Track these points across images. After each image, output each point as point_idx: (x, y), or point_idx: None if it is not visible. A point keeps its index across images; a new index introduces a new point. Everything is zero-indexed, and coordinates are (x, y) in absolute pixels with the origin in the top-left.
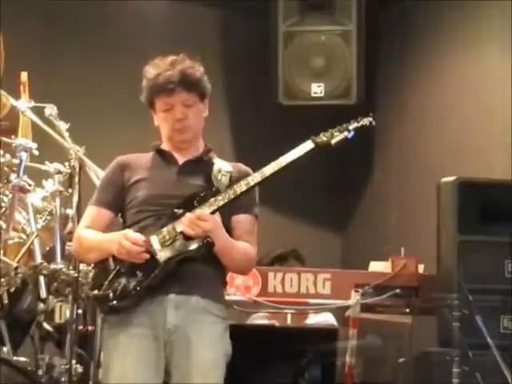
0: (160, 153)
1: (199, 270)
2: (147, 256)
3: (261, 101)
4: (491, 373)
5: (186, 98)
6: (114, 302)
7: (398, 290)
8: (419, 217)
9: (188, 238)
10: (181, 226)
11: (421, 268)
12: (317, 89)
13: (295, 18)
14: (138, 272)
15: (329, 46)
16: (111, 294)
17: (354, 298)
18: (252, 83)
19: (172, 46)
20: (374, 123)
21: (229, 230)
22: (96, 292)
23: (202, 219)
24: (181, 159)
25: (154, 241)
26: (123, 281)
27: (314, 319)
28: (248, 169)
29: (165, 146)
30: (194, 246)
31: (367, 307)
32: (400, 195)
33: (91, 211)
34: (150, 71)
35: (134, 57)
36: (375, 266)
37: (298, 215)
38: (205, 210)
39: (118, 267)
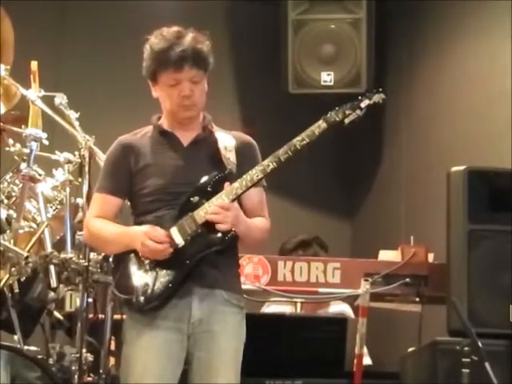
0: (162, 132)
1: (219, 262)
2: (170, 251)
3: (270, 89)
4: (501, 363)
5: (195, 74)
6: (144, 306)
7: (407, 279)
8: (429, 205)
9: (210, 230)
10: (201, 216)
11: (430, 257)
12: (326, 77)
13: (305, 6)
14: (164, 271)
15: (338, 34)
16: (141, 298)
17: (364, 287)
18: (262, 72)
19: None
20: (385, 99)
21: (239, 204)
22: (126, 296)
23: (227, 209)
24: (184, 139)
25: (176, 234)
26: (151, 281)
27: (331, 310)
28: (249, 138)
29: (165, 123)
30: (217, 239)
31: (377, 296)
32: (410, 184)
33: (99, 199)
34: (157, 42)
35: (144, 45)
36: (385, 255)
37: (308, 204)
38: (223, 199)
39: (143, 265)
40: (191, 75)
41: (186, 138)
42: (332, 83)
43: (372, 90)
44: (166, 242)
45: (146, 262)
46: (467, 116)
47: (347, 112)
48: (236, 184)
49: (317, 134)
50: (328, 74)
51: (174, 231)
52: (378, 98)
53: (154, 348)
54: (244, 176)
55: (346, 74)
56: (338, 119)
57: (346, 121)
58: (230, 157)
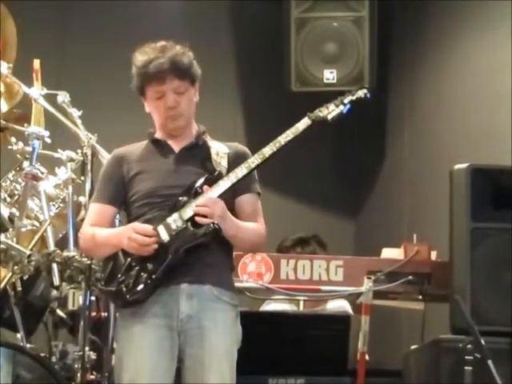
0: (155, 142)
1: (208, 258)
2: (156, 246)
3: (273, 87)
4: (504, 361)
5: (178, 85)
6: (128, 297)
7: (410, 277)
8: (432, 204)
9: (195, 226)
10: (187, 213)
11: (433, 255)
12: (329, 75)
13: (307, 4)
14: (148, 264)
15: (341, 32)
16: (124, 289)
17: (367, 284)
18: (264, 70)
19: (184, 32)
20: (368, 95)
21: (233, 212)
22: (109, 288)
23: (214, 202)
24: (176, 147)
25: (162, 231)
26: (134, 274)
27: (330, 305)
28: (244, 148)
29: (158, 134)
30: (199, 232)
31: (380, 294)
32: (412, 182)
33: (95, 208)
34: (140, 58)
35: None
36: (388, 253)
37: (311, 202)
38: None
39: (128, 261)
40: (174, 86)
41: (178, 145)
42: (335, 81)
43: (363, 87)
44: (153, 235)
45: (131, 257)
46: (469, 114)
47: (331, 108)
48: (221, 181)
49: (300, 130)
50: (331, 72)
51: (161, 229)
52: (361, 93)
53: (145, 347)
54: (229, 173)
55: (348, 72)
56: (321, 115)
57: (329, 117)
58: (220, 162)
